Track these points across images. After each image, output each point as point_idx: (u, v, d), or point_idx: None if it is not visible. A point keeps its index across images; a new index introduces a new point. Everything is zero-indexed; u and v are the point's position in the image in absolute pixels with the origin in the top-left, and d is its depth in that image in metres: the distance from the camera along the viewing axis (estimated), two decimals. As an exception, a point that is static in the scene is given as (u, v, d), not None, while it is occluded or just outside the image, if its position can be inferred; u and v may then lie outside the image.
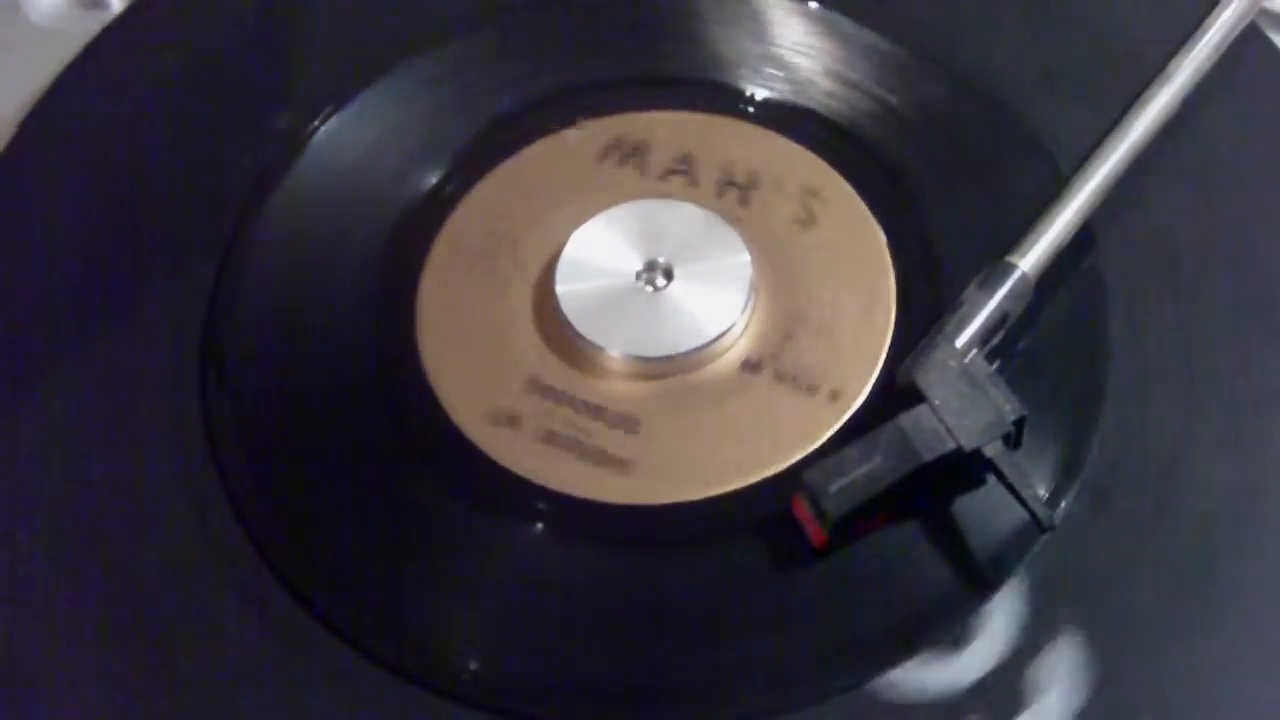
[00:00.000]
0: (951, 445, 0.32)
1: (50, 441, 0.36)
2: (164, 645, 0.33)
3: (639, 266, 0.37)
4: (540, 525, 0.34)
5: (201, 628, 0.33)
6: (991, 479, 0.33)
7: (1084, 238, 0.37)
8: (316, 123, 0.41)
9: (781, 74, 0.41)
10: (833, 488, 0.32)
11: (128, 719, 0.32)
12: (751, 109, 0.41)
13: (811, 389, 0.36)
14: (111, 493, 0.35)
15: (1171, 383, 0.35)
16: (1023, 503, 0.32)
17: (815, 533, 0.33)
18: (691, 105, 0.40)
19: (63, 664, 0.33)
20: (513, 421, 0.36)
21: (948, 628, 0.32)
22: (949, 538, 0.33)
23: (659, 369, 0.36)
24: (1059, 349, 0.36)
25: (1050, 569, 0.33)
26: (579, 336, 0.36)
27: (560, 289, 0.36)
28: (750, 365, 0.36)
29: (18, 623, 0.33)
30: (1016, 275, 0.35)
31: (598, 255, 0.37)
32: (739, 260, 0.37)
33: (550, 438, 0.35)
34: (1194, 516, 0.33)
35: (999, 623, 0.32)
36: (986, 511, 0.33)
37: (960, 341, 0.34)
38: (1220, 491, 0.34)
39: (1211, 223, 0.38)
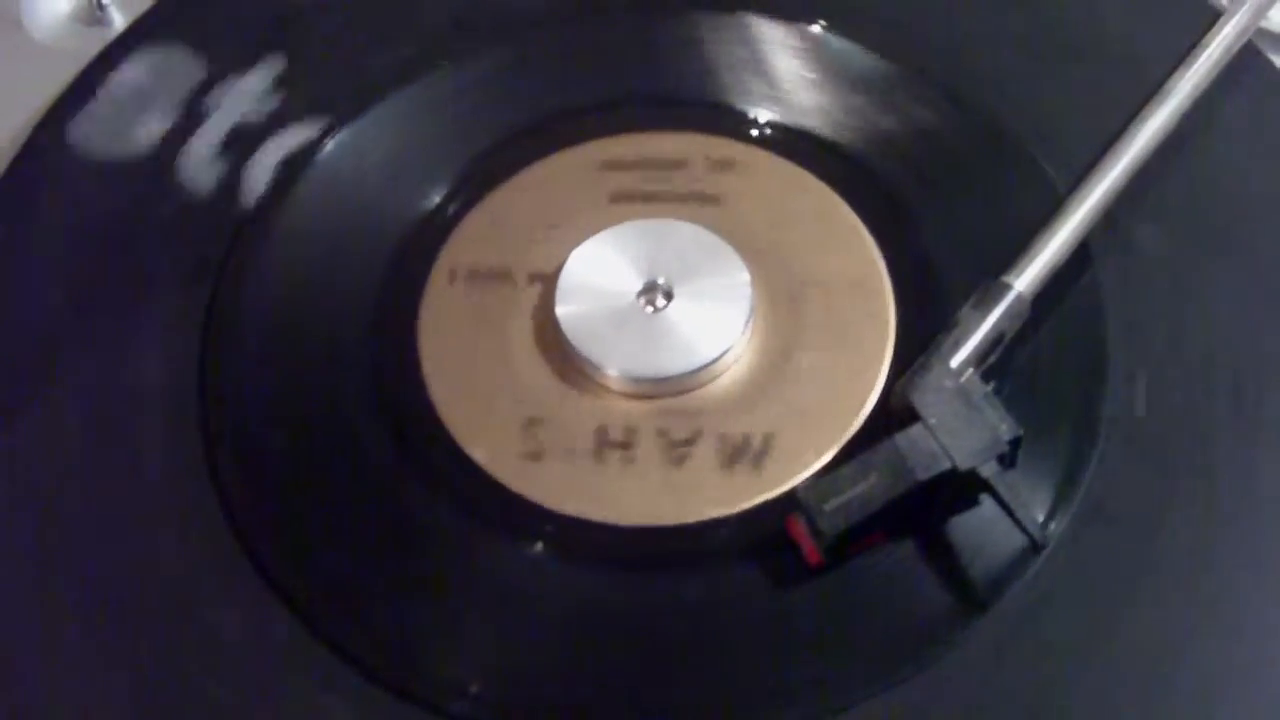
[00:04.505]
0: (947, 465, 0.33)
1: (47, 459, 0.36)
2: (163, 664, 0.33)
3: (639, 287, 0.37)
4: (542, 545, 0.35)
5: (200, 647, 0.33)
6: (987, 498, 0.33)
7: (1081, 256, 0.37)
8: (322, 140, 0.41)
9: (785, 97, 0.42)
10: (828, 506, 0.32)
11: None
12: (755, 131, 0.41)
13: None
14: (110, 511, 0.35)
15: (1169, 402, 0.36)
16: (1017, 523, 0.33)
17: (811, 551, 0.33)
18: (691, 127, 0.41)
19: (59, 678, 0.33)
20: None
21: (942, 647, 0.32)
22: (944, 557, 0.34)
23: (659, 389, 0.36)
24: (1056, 368, 0.36)
25: (1045, 589, 0.33)
26: (579, 357, 0.36)
27: (560, 310, 0.37)
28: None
29: (14, 645, 0.34)
30: (1012, 295, 0.35)
31: (598, 275, 0.37)
32: (739, 280, 0.37)
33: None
34: (1192, 537, 0.34)
35: (993, 642, 0.32)
36: (982, 531, 0.34)
37: (955, 361, 0.34)
38: (1219, 512, 0.34)
39: (1209, 240, 0.38)
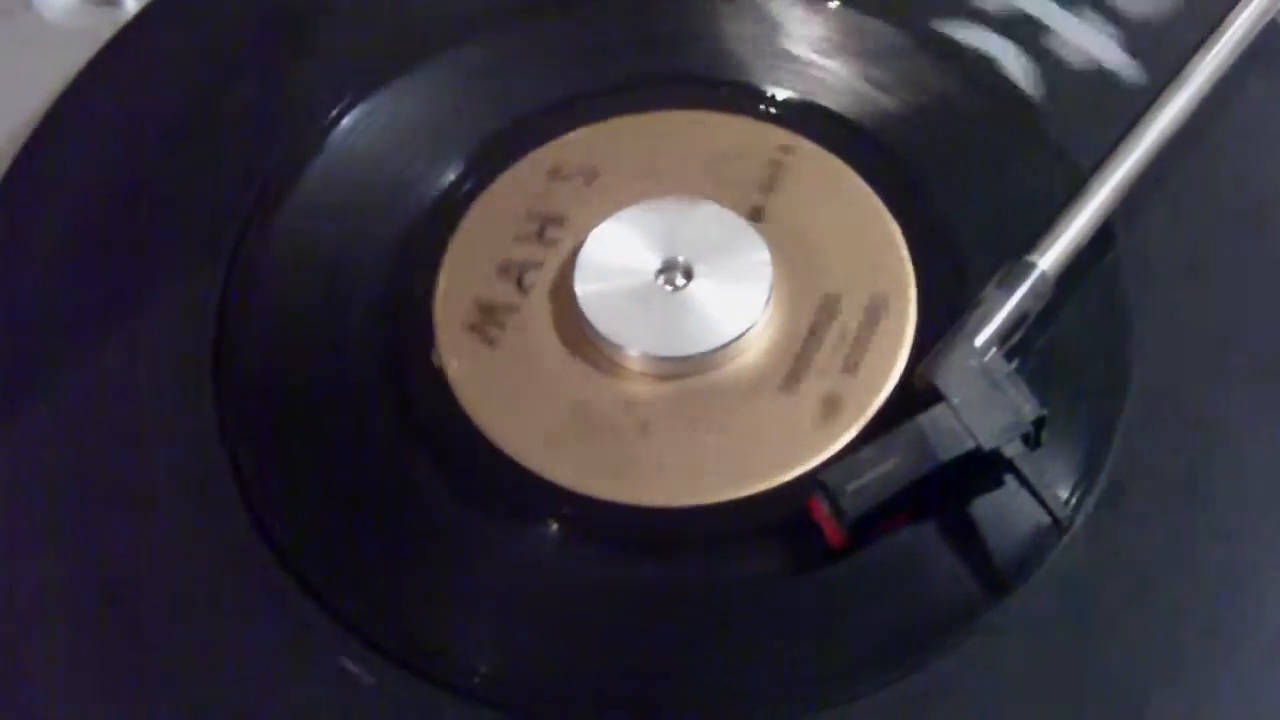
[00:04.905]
0: (970, 445, 0.32)
1: (61, 439, 0.36)
2: (173, 640, 0.33)
3: (658, 265, 0.37)
4: (556, 526, 0.34)
5: (212, 624, 0.33)
6: (1011, 479, 0.33)
7: (1104, 236, 0.37)
8: (333, 119, 0.41)
9: (799, 72, 0.41)
10: (850, 487, 0.32)
11: (133, 715, 0.32)
12: (772, 109, 0.41)
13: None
14: (124, 490, 0.35)
15: (1193, 381, 0.35)
16: (1042, 503, 0.32)
17: (833, 533, 0.33)
18: (709, 104, 0.40)
19: (68, 658, 0.33)
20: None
21: (966, 630, 0.32)
22: (968, 538, 0.33)
23: (678, 369, 0.36)
24: (1079, 348, 0.36)
25: (1071, 569, 0.33)
26: (598, 336, 0.36)
27: (579, 288, 0.36)
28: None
29: (23, 624, 0.33)
30: (1036, 274, 0.35)
31: (617, 254, 0.37)
32: (759, 259, 0.37)
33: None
34: (1217, 516, 0.33)
35: (1019, 622, 0.32)
36: (1006, 512, 0.33)
37: (979, 341, 0.34)
38: (1244, 491, 0.34)
39: (1232, 221, 0.38)
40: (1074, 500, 0.33)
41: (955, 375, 0.33)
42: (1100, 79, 0.41)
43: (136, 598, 0.33)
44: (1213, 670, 0.31)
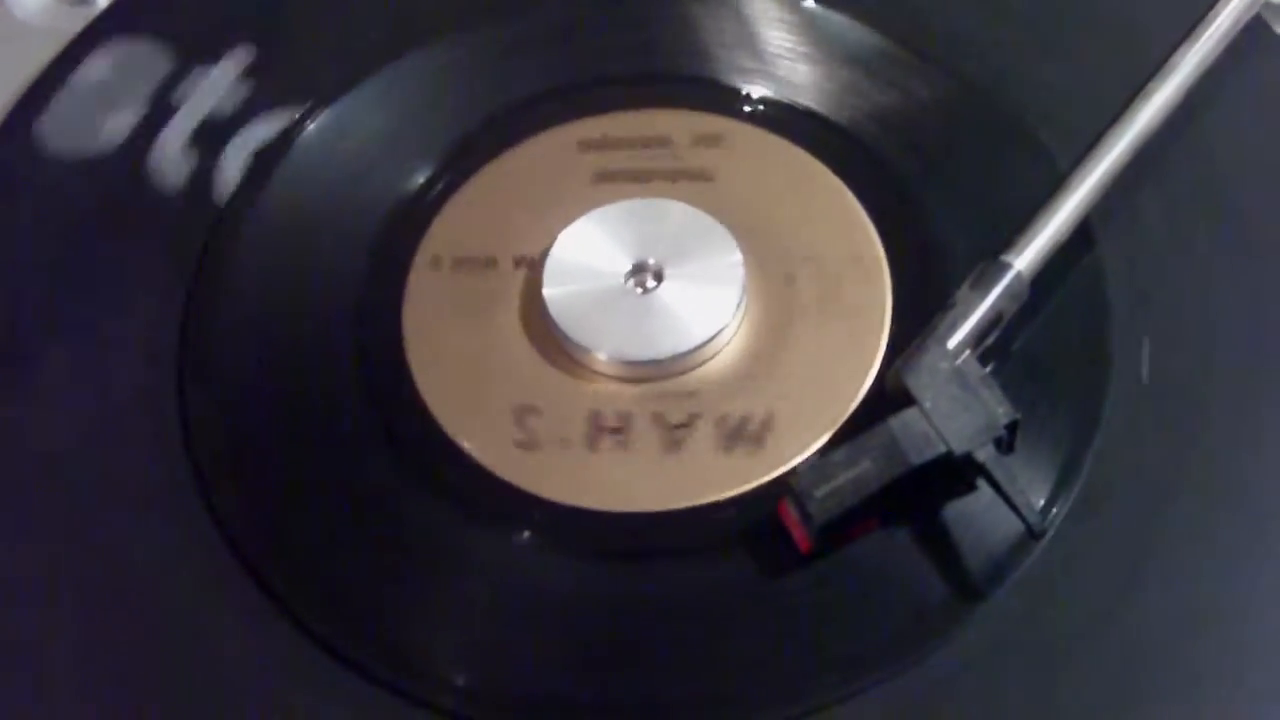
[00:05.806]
0: (941, 449, 0.32)
1: (25, 454, 0.36)
2: (146, 659, 0.33)
3: (628, 268, 0.36)
4: (529, 534, 0.34)
5: (184, 641, 0.33)
6: (984, 484, 0.32)
7: (1083, 235, 0.36)
8: (302, 123, 0.40)
9: (776, 72, 0.41)
10: (819, 492, 0.32)
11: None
12: (747, 108, 0.40)
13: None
14: (91, 503, 0.35)
15: (1172, 385, 0.35)
16: (1014, 508, 0.32)
17: (802, 538, 0.32)
18: (686, 104, 0.40)
19: (41, 677, 0.33)
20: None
21: (939, 638, 0.32)
22: (940, 544, 0.33)
23: (651, 372, 0.35)
24: (1056, 350, 0.35)
25: (1045, 577, 0.32)
26: (567, 339, 0.36)
27: (548, 291, 0.36)
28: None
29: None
30: (1011, 274, 0.34)
31: (586, 256, 0.37)
32: (731, 260, 0.36)
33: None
34: (1195, 523, 0.33)
35: (990, 631, 0.32)
36: (979, 517, 0.33)
37: (952, 343, 0.33)
38: (1220, 498, 0.33)
39: (1214, 220, 0.37)
40: (1050, 507, 0.33)
41: (927, 378, 0.33)
42: (1083, 72, 0.40)
43: (106, 607, 0.33)
44: (1193, 677, 0.31)
